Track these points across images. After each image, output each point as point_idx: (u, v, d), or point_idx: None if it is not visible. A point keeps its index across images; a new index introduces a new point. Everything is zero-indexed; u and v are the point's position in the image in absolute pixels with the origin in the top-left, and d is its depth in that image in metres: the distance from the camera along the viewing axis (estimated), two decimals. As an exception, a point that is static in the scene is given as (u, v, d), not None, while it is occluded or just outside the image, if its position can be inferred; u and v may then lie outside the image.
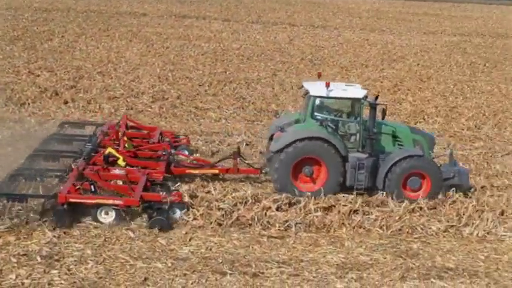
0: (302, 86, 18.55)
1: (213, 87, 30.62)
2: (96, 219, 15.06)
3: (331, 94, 17.25)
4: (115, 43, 41.35)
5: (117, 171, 16.86)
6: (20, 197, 15.18)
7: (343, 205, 16.28)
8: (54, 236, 13.97)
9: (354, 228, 15.52)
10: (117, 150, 17.67)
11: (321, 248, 14.42)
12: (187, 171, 18.23)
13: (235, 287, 12.62)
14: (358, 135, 17.42)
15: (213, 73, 33.98)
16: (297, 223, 15.44)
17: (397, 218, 15.97)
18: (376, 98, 17.81)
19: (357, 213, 16.04)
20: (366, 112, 17.56)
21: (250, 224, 15.23)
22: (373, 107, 17.24)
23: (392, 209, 16.32)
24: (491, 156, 22.73)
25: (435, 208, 16.62)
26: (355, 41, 51.67)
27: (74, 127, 21.35)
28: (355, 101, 17.47)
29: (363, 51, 46.59)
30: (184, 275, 12.92)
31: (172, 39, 45.43)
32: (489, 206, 16.89)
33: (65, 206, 14.72)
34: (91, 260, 13.12)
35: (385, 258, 14.13)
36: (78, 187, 15.54)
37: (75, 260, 13.08)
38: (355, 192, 16.96)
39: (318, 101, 17.41)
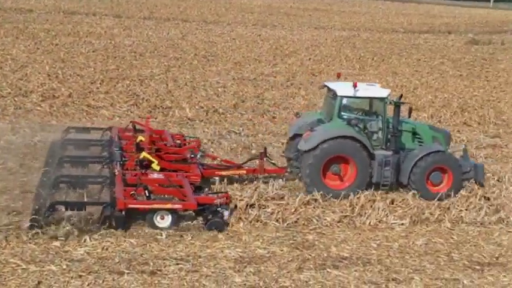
0: (324, 86, 18.96)
1: (106, 84, 30.03)
2: (152, 224, 14.95)
3: (358, 94, 17.84)
4: (0, 40, 39.82)
5: (155, 175, 16.67)
6: (78, 205, 14.88)
7: (240, 200, 16.41)
8: None
9: (250, 222, 15.65)
10: (151, 154, 17.38)
11: (219, 243, 14.45)
12: (217, 173, 18.25)
13: (133, 286, 12.46)
14: (380, 133, 18.08)
15: (105, 70, 33.30)
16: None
17: (292, 210, 16.26)
18: (400, 97, 18.49)
19: (254, 208, 16.18)
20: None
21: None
22: (397, 105, 17.90)
23: (288, 202, 16.60)
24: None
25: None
26: (248, 37, 52.02)
27: (80, 132, 20.89)
28: (379, 100, 18.08)
29: (256, 46, 46.97)
30: (80, 276, 12.62)
31: (62, 36, 44.17)
32: (380, 195, 17.49)
33: (123, 212, 14.61)
34: (-21, 267, 12.60)
35: (282, 250, 14.33)
36: (132, 193, 15.38)
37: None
38: (376, 187, 17.69)
39: (344, 101, 17.85)
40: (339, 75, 20.56)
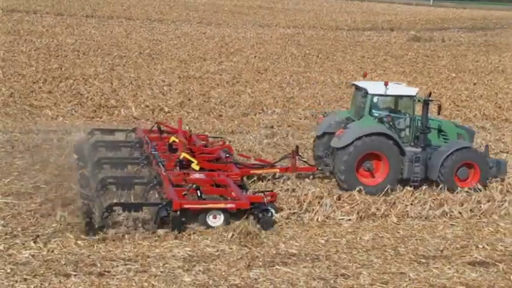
0: (353, 85, 19.55)
1: (48, 84, 29.52)
2: (204, 224, 15.03)
3: (389, 92, 18.31)
4: None
5: (197, 175, 16.68)
6: (135, 206, 14.94)
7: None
8: None
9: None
10: (191, 155, 17.44)
11: (167, 242, 14.34)
12: (252, 171, 18.38)
13: (81, 288, 12.28)
14: (408, 130, 18.61)
15: (47, 69, 32.73)
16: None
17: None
18: (429, 95, 18.98)
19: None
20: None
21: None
22: (426, 103, 18.39)
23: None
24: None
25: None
26: (193, 35, 51.85)
27: (105, 133, 20.71)
28: (408, 98, 18.62)
29: (201, 44, 46.85)
30: (25, 280, 12.35)
31: (1, 34, 43.25)
32: (327, 191, 17.65)
33: (179, 212, 14.68)
34: None
35: (231, 248, 14.31)
36: (184, 193, 15.47)
37: None
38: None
39: (375, 99, 18.34)
40: (365, 75, 21.74)
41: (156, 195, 16.02)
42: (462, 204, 17.53)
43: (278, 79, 35.41)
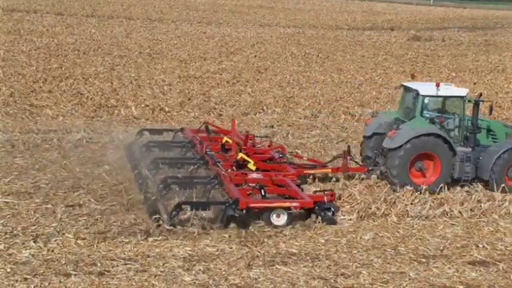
0: (402, 86, 19.86)
1: (49, 83, 29.54)
2: (268, 222, 15.33)
3: (440, 93, 18.66)
4: None
5: (254, 175, 16.96)
6: (203, 205, 15.35)
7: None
8: None
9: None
10: (247, 155, 17.76)
11: (167, 242, 14.35)
12: (305, 171, 18.62)
13: (81, 288, 12.29)
14: (457, 130, 18.92)
15: (47, 69, 32.76)
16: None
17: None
18: (480, 95, 19.34)
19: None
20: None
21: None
22: (477, 104, 18.71)
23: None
24: (327, 143, 23.71)
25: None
26: (193, 34, 51.86)
27: (153, 133, 21.05)
28: (459, 98, 18.92)
29: (201, 44, 46.86)
30: (25, 279, 12.36)
31: (1, 33, 43.28)
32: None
33: (244, 211, 15.03)
34: None
35: (231, 248, 14.31)
36: (249, 192, 15.81)
37: None
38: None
39: (426, 100, 18.64)
40: (413, 76, 22.41)
41: (219, 195, 16.40)
42: (462, 204, 17.54)
43: (278, 78, 35.42)
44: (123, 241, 14.23)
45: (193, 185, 16.47)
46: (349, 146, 20.05)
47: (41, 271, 12.75)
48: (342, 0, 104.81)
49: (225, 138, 18.93)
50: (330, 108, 28.96)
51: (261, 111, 27.87)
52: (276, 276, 13.29)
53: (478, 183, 18.68)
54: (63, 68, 33.37)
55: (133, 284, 12.57)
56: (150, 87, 30.63)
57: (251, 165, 17.40)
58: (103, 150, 20.34)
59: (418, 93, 18.63)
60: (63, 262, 13.16)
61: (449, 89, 19.19)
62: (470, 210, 17.41)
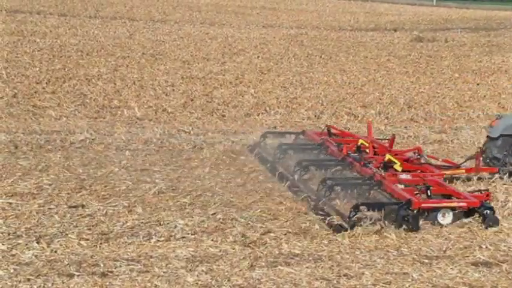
0: None
1: (52, 84, 29.58)
2: (435, 222, 15.61)
3: None
4: None
5: (403, 176, 17.13)
6: (379, 206, 15.51)
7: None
8: None
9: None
10: (395, 157, 17.92)
11: (170, 242, 14.35)
12: (443, 172, 18.68)
13: (84, 289, 12.30)
14: None
15: (51, 70, 32.80)
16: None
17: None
18: None
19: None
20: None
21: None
22: None
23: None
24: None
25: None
26: (196, 35, 51.89)
27: (277, 136, 21.14)
28: None
29: (204, 44, 46.89)
30: (28, 280, 12.38)
31: (4, 35, 43.33)
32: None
33: (415, 211, 15.23)
34: None
35: (233, 249, 14.29)
36: (416, 193, 15.94)
37: None
38: None
39: None
40: None
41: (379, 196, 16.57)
42: (465, 204, 17.56)
43: (281, 79, 35.42)
44: (125, 242, 14.29)
45: (351, 186, 16.56)
46: (481, 148, 20.22)
47: (44, 272, 12.76)
48: (345, 0, 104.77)
49: (361, 141, 19.09)
50: (333, 109, 28.96)
51: (263, 112, 27.88)
52: (279, 277, 13.27)
53: (481, 183, 18.73)
54: (66, 69, 33.39)
55: (136, 284, 12.57)
56: (152, 88, 30.66)
57: (397, 166, 17.62)
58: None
59: None
60: (66, 263, 13.17)
61: None
62: (474, 210, 17.48)
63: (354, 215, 15.13)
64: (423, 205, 15.69)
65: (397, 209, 15.41)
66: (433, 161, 20.16)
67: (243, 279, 13.42)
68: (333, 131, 21.08)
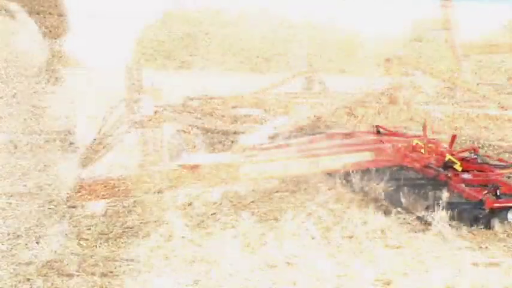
0: None
1: (52, 84, 29.63)
2: (504, 220, 15.55)
3: None
4: None
5: (465, 175, 17.23)
6: (452, 206, 15.65)
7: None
8: None
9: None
10: (454, 156, 17.91)
11: (170, 242, 14.36)
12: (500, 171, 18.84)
13: (84, 289, 12.31)
14: None
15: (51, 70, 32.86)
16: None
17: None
18: None
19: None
20: None
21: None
22: None
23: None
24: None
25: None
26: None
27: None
28: None
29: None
30: (28, 280, 12.35)
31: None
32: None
33: (488, 211, 15.29)
34: None
35: (234, 249, 14.28)
36: (486, 192, 16.01)
37: None
38: None
39: None
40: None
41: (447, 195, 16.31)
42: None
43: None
44: (125, 242, 14.30)
45: (418, 186, 16.78)
46: None
47: (44, 272, 12.76)
48: (344, 1, 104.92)
49: (415, 141, 19.10)
50: (333, 109, 28.92)
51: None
52: (280, 277, 13.28)
53: None
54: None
55: (136, 285, 12.57)
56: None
57: (457, 166, 17.66)
58: None
59: None
60: (66, 263, 13.17)
61: None
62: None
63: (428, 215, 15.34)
64: (495, 205, 15.79)
65: (470, 209, 15.69)
66: (490, 161, 20.42)
67: (243, 279, 13.42)
68: (381, 130, 21.12)
